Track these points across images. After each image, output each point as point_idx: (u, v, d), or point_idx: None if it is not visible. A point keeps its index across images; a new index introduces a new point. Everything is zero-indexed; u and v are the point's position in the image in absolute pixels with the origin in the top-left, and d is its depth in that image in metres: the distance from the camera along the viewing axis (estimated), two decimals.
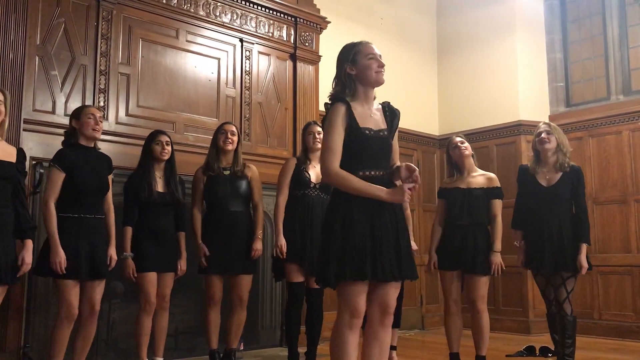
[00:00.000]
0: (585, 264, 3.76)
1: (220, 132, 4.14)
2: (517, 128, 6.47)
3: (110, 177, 3.61)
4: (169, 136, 3.99)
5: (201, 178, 4.08)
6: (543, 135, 3.86)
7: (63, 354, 3.35)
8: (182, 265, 3.93)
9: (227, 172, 4.10)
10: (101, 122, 3.54)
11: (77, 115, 3.49)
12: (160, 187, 3.85)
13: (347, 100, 2.54)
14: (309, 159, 4.17)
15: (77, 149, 3.47)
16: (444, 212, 4.09)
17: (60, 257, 3.22)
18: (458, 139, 4.09)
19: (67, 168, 3.36)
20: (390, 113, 2.67)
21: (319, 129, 4.14)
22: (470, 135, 4.27)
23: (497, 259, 3.87)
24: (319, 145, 4.11)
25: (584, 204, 3.89)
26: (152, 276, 3.75)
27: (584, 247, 3.77)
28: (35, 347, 3.87)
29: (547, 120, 4.01)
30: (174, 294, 4.00)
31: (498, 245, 3.91)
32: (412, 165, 2.48)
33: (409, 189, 2.41)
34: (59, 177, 3.35)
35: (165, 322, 3.86)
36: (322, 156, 2.55)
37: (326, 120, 2.56)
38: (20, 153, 3.20)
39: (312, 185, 4.09)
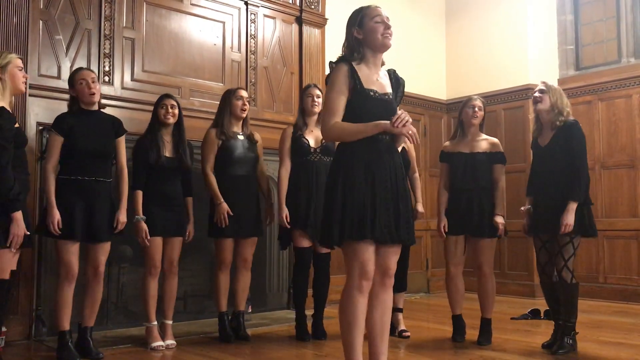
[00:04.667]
0: (568, 222, 3.46)
1: (237, 97, 4.09)
2: (526, 92, 6.40)
3: (121, 139, 3.60)
4: (177, 100, 3.95)
5: (215, 141, 4.03)
6: (536, 94, 3.74)
7: (69, 314, 3.41)
8: (191, 230, 3.96)
9: (241, 137, 4.10)
10: (93, 82, 3.48)
11: (72, 83, 3.49)
12: (168, 151, 3.84)
13: (352, 62, 2.54)
14: (306, 123, 4.13)
15: (79, 113, 3.48)
16: (448, 176, 4.09)
17: (54, 217, 3.27)
18: (478, 102, 4.02)
19: (65, 132, 3.39)
20: (395, 80, 2.68)
21: (318, 92, 4.11)
22: None
23: (500, 220, 3.88)
24: (317, 109, 4.09)
25: (577, 160, 3.56)
26: (158, 241, 3.78)
27: (571, 205, 3.50)
28: (47, 309, 3.94)
29: (555, 84, 3.85)
30: (183, 258, 4.03)
31: (500, 209, 3.92)
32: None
33: (404, 125, 2.37)
34: (57, 141, 3.39)
35: (174, 286, 3.91)
36: (322, 118, 2.58)
37: (328, 80, 2.57)
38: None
39: (312, 150, 4.07)
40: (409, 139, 2.43)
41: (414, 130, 2.43)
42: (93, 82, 3.48)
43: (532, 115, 3.87)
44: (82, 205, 3.37)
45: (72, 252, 3.38)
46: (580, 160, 3.60)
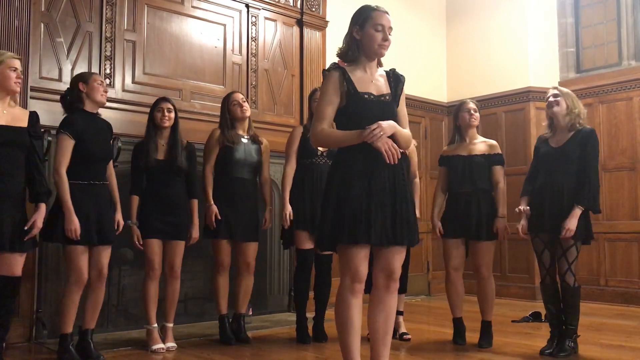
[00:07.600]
0: (570, 227, 3.44)
1: (232, 103, 4.09)
2: (526, 94, 6.41)
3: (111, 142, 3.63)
4: (173, 103, 3.93)
5: (217, 144, 4.04)
6: (551, 98, 3.75)
7: (74, 319, 3.40)
8: (194, 232, 3.94)
9: (245, 140, 4.10)
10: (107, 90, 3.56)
11: (85, 79, 3.46)
12: (162, 154, 3.82)
13: (343, 66, 2.54)
14: None
15: (83, 115, 3.45)
16: (446, 180, 4.10)
17: (75, 224, 3.24)
18: (472, 105, 4.05)
19: (77, 135, 3.35)
20: (394, 79, 2.64)
21: None
22: (478, 102, 4.22)
23: (502, 223, 3.88)
24: None
25: (588, 167, 3.56)
26: (155, 243, 3.78)
27: (577, 210, 3.49)
28: (47, 312, 3.95)
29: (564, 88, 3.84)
30: (184, 261, 4.03)
31: (503, 210, 3.91)
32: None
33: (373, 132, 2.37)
34: (69, 144, 3.33)
35: (176, 290, 3.90)
36: (311, 124, 2.59)
37: (321, 88, 2.58)
38: (33, 116, 3.17)
39: (319, 153, 4.08)
40: (385, 158, 2.38)
41: (392, 147, 2.39)
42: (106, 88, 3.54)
43: (545, 122, 3.83)
44: (94, 209, 3.37)
45: (84, 257, 3.37)
46: (591, 168, 3.60)
